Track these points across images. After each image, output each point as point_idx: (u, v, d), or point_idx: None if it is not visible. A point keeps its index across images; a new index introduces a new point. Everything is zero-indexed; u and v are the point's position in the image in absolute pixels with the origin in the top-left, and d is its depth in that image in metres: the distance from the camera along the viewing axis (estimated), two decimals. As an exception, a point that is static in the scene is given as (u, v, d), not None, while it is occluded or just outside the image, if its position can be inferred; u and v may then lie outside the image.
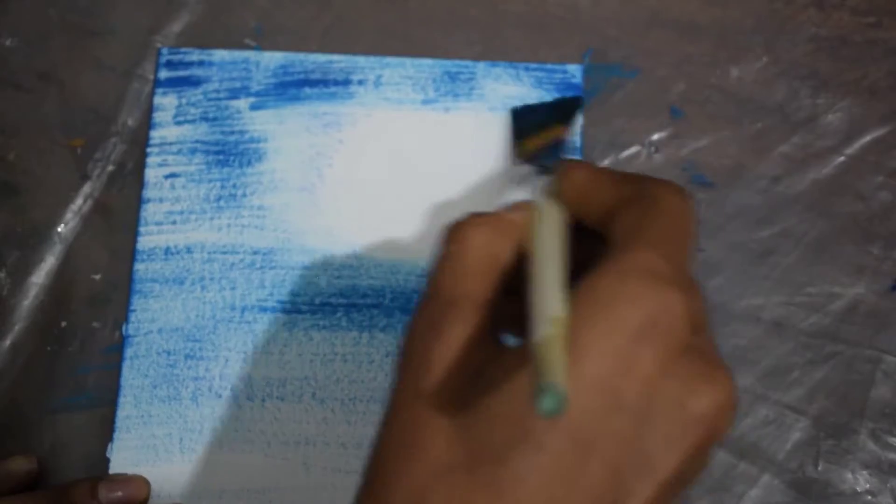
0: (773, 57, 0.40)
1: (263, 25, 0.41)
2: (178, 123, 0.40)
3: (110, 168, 0.40)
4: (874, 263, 0.38)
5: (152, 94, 0.40)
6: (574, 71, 0.40)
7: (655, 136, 0.40)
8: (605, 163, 0.39)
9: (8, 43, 0.41)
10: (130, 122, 0.40)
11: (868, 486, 0.36)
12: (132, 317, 0.38)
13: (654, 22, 0.41)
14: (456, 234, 0.27)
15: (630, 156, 0.39)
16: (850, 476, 0.36)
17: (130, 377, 0.37)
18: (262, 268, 0.38)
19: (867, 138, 0.39)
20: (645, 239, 0.24)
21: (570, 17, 0.41)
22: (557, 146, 0.37)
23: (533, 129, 0.39)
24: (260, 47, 0.41)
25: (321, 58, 0.40)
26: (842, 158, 0.39)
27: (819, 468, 0.36)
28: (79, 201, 0.39)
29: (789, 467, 0.36)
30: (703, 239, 0.38)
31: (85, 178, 0.40)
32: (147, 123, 0.40)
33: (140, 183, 0.39)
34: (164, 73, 0.40)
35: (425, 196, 0.39)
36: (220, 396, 0.37)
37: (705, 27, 0.41)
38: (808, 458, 0.36)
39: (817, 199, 0.39)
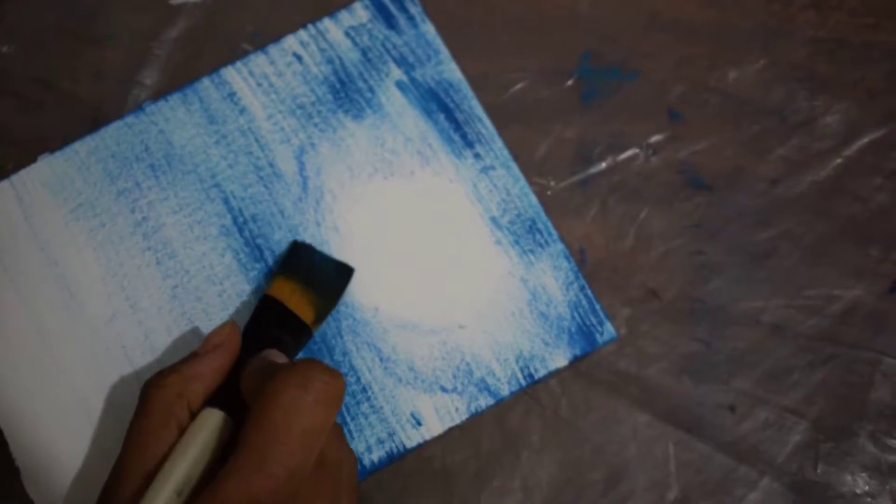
0: (771, 59, 0.40)
1: (261, 30, 0.41)
2: None
3: (109, 174, 0.40)
4: (873, 265, 0.38)
5: (151, 99, 0.40)
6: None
7: (653, 139, 0.40)
8: (603, 166, 0.39)
9: (5, 50, 0.41)
10: (129, 127, 0.40)
11: (867, 488, 0.36)
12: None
13: (652, 24, 0.41)
14: (143, 395, 0.31)
15: (628, 158, 0.39)
16: (849, 478, 0.36)
17: None
18: None
19: (865, 140, 0.39)
20: (242, 461, 0.26)
21: (568, 18, 0.41)
22: (295, 324, 0.34)
23: (299, 275, 0.35)
24: (257, 52, 0.41)
25: None
26: (840, 160, 0.39)
27: (819, 471, 0.36)
28: (78, 208, 0.39)
29: (789, 470, 0.36)
30: (702, 241, 0.38)
31: (84, 184, 0.40)
32: (145, 129, 0.40)
33: (139, 189, 0.39)
34: None
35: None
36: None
37: (703, 29, 0.41)
38: (808, 460, 0.36)
39: (816, 202, 0.39)
